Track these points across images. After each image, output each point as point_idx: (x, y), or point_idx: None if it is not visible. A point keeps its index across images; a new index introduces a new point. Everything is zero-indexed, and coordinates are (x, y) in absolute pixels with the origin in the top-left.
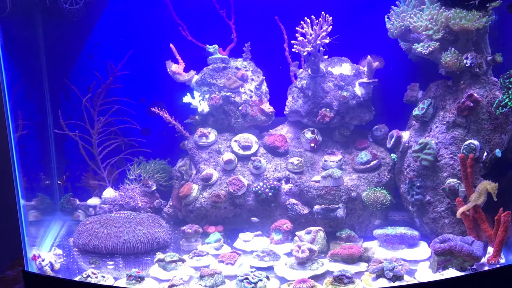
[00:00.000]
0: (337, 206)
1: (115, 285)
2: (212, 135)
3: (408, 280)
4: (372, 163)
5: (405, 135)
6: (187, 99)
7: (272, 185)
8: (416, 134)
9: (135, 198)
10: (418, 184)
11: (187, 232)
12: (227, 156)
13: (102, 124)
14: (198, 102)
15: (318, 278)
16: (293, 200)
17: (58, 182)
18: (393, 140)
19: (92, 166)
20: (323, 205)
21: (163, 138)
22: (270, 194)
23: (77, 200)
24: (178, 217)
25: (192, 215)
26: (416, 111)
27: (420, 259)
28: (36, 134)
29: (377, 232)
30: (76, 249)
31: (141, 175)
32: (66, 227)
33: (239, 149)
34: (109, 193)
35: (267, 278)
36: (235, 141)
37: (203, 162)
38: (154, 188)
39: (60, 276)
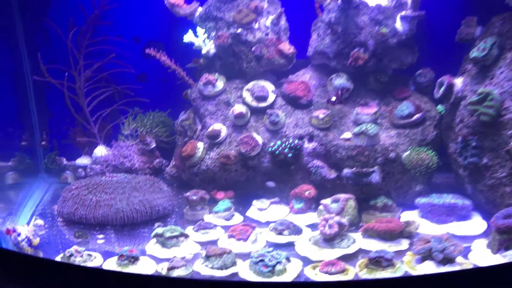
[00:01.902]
0: (371, 169)
1: (103, 266)
2: (220, 82)
3: (461, 262)
4: (415, 117)
5: (458, 82)
6: (189, 37)
7: (293, 144)
8: (472, 82)
9: (131, 158)
10: (473, 144)
11: (192, 199)
12: (238, 108)
13: (90, 70)
14: (202, 41)
15: (348, 258)
16: (317, 162)
17: (42, 143)
18: (442, 88)
19: (79, 120)
20: (354, 168)
21: (163, 86)
22: (289, 155)
23: (64, 159)
24: (182, 178)
25: (198, 178)
26: (474, 53)
27: (472, 235)
28: (11, 84)
29: (421, 201)
30: (61, 219)
31: (137, 129)
32: (52, 191)
33: (252, 100)
34: (100, 151)
35: (287, 259)
36: (248, 90)
37: (210, 116)
38: (153, 145)
39: (41, 255)
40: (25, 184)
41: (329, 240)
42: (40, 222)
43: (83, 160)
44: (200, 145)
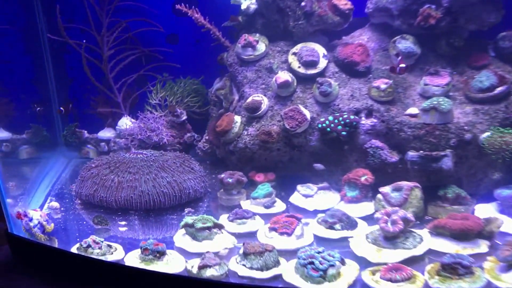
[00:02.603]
0: (442, 153)
1: (125, 261)
2: (261, 45)
3: None
4: (497, 90)
5: None
6: None
7: (347, 120)
8: None
9: (159, 131)
10: None
11: (227, 182)
12: (282, 76)
13: (114, 29)
14: None
15: (414, 261)
16: (376, 142)
17: (60, 108)
18: None
19: (101, 88)
20: (421, 151)
21: (195, 48)
22: (343, 133)
23: (85, 132)
24: (217, 155)
25: (234, 157)
26: None
27: None
28: (24, 44)
29: (503, 193)
30: (79, 201)
31: (166, 99)
32: (71, 167)
33: (299, 66)
34: (125, 123)
35: (341, 261)
36: (294, 53)
37: (249, 84)
38: (184, 117)
39: (56, 243)
40: (41, 159)
41: (391, 238)
42: (56, 204)
43: (106, 133)
44: (237, 119)
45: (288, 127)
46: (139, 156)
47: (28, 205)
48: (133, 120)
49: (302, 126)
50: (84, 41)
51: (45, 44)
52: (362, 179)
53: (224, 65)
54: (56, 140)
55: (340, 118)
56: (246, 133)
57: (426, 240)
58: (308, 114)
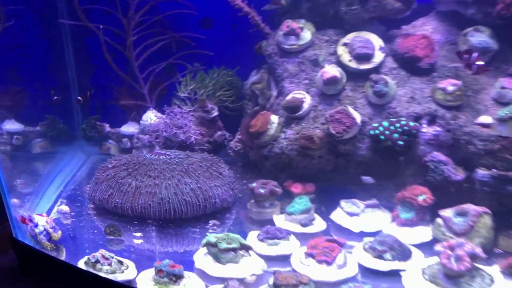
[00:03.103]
0: None
1: (136, 281)
2: (307, 32)
3: None
4: None
5: None
6: None
7: (406, 128)
8: None
9: (187, 128)
10: None
11: (259, 193)
12: (330, 70)
13: (141, 11)
14: None
15: None
16: (439, 155)
17: (78, 98)
18: None
19: (124, 78)
20: (494, 170)
21: (231, 34)
22: (400, 142)
23: (107, 125)
24: (249, 157)
25: (268, 163)
26: None
27: None
28: (40, 27)
29: None
30: (92, 205)
31: (197, 92)
32: (89, 164)
33: (350, 60)
34: (150, 117)
35: None
36: (345, 44)
37: (289, 79)
38: (215, 113)
39: (63, 253)
40: (56, 154)
41: (453, 277)
42: (66, 208)
43: (129, 128)
44: (274, 119)
45: (333, 132)
46: (161, 157)
47: (36, 207)
48: (159, 114)
49: (350, 132)
50: (101, 26)
51: (65, 26)
52: (420, 198)
53: (263, 55)
54: (74, 133)
55: (397, 125)
56: (283, 136)
57: (497, 282)
58: (358, 118)
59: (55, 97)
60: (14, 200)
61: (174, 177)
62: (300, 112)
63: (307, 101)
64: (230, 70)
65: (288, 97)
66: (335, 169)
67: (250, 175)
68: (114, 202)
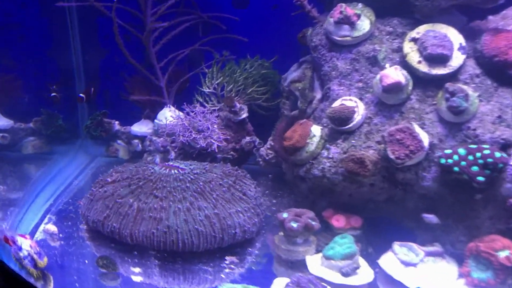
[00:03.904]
0: None
1: None
2: (365, 21)
3: None
4: None
5: None
6: None
7: (489, 159)
8: None
9: (209, 132)
10: None
11: (290, 228)
12: (392, 74)
13: None
14: None
15: None
16: None
17: (80, 95)
18: None
19: (138, 68)
20: None
21: (270, 16)
22: (480, 178)
23: (117, 122)
24: (282, 169)
25: (305, 186)
26: None
27: None
28: (40, 3)
29: None
30: (85, 227)
31: (224, 86)
32: (92, 169)
33: (419, 61)
34: (166, 116)
35: None
36: (414, 40)
37: (338, 80)
38: (244, 114)
39: (51, 285)
40: (52, 156)
41: None
42: (53, 228)
43: (141, 127)
44: (316, 131)
45: (392, 157)
46: (172, 172)
47: (19, 224)
48: (177, 112)
49: (414, 158)
50: (115, 1)
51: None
52: (501, 254)
53: (307, 46)
54: (76, 131)
55: (478, 154)
56: (326, 154)
57: None
58: (425, 140)
59: (53, 94)
60: None
61: (186, 199)
62: (350, 125)
63: (360, 111)
64: (266, 61)
65: (336, 104)
66: (390, 199)
67: (282, 191)
68: (111, 226)
